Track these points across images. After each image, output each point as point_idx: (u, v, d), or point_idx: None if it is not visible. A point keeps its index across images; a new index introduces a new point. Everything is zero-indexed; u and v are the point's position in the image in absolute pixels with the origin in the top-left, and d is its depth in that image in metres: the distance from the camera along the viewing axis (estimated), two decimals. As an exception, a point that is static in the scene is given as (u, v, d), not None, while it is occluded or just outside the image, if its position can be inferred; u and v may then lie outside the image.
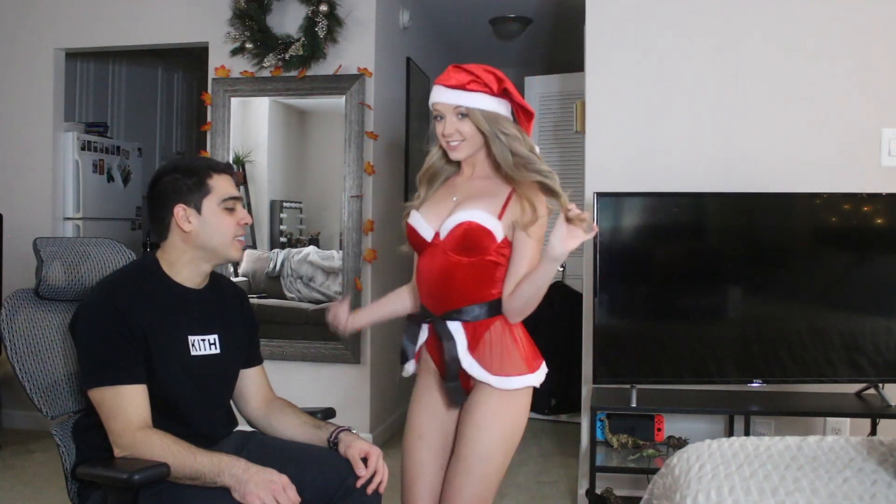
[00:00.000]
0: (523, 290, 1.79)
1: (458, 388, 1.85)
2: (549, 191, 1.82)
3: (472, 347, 1.83)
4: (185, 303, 1.78)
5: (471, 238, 1.80)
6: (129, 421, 1.61)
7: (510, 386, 1.81)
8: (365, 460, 1.77)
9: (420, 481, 1.90)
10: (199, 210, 1.75)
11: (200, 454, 1.60)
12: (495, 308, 1.84)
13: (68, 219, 4.30)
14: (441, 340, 1.84)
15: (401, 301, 2.07)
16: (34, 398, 1.76)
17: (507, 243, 1.83)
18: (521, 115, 1.88)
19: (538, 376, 1.85)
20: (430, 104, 1.88)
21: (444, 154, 1.92)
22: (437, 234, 1.87)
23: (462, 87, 1.81)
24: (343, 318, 2.02)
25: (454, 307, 1.84)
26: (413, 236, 1.92)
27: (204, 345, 1.78)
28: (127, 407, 1.62)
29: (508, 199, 1.83)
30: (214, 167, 1.80)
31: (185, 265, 1.79)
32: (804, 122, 3.12)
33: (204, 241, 1.76)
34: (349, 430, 1.88)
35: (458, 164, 1.94)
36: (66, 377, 1.84)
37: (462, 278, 1.83)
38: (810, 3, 3.12)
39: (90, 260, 1.90)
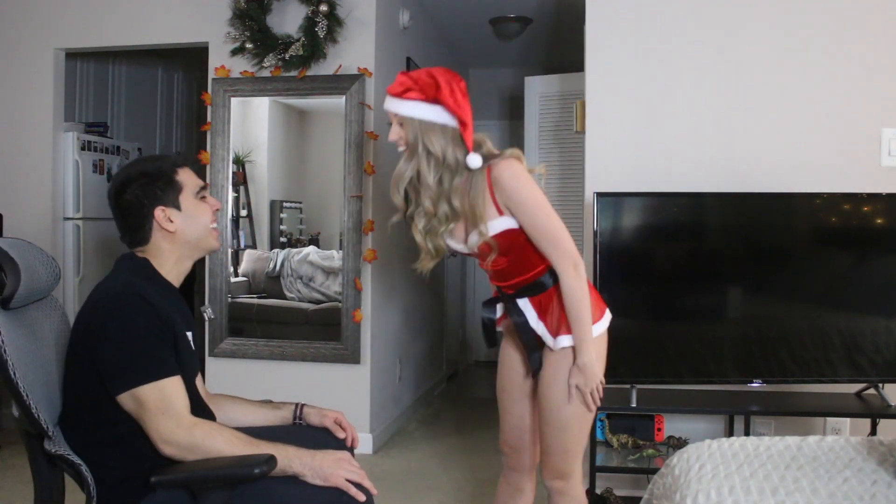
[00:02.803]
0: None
1: (538, 357, 2.02)
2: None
3: (542, 315, 1.98)
4: (177, 300, 1.79)
5: (499, 245, 1.91)
6: (180, 415, 1.58)
7: (557, 346, 1.94)
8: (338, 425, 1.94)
9: (504, 426, 2.18)
10: (178, 207, 1.76)
11: (264, 445, 1.62)
12: (549, 279, 1.96)
13: (68, 219, 4.30)
14: (511, 317, 2.01)
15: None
16: (40, 416, 1.60)
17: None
18: (457, 113, 1.87)
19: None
20: None
21: None
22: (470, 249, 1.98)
23: (398, 95, 1.86)
24: None
25: (519, 288, 1.99)
26: (453, 251, 2.04)
27: (189, 340, 1.79)
28: (175, 401, 1.59)
29: (490, 186, 1.87)
30: (176, 162, 1.80)
31: (173, 265, 1.79)
32: (804, 122, 3.12)
33: (189, 236, 1.77)
34: (305, 404, 1.98)
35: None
36: (41, 386, 1.67)
37: (510, 271, 1.98)
38: (810, 3, 3.12)
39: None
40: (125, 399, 1.59)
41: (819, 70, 3.11)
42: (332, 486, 1.61)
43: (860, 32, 3.09)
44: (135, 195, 1.73)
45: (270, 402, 2.03)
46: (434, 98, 1.84)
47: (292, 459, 1.61)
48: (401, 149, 1.92)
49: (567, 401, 1.96)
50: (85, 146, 4.41)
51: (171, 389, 1.59)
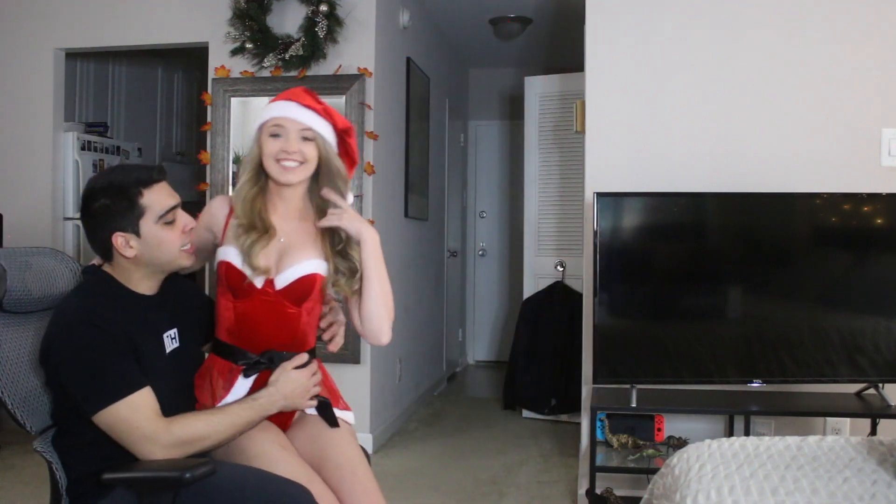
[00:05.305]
0: (379, 297, 1.87)
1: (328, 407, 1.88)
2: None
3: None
4: (148, 306, 1.73)
5: (314, 289, 1.80)
6: (155, 421, 1.57)
7: (346, 417, 1.94)
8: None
9: None
10: (137, 233, 1.66)
11: (236, 407, 1.70)
12: (314, 350, 1.88)
13: (68, 219, 4.30)
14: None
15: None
16: (17, 414, 1.65)
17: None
18: (347, 161, 1.86)
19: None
20: (266, 119, 1.78)
21: (257, 181, 1.80)
22: (269, 282, 1.76)
23: (315, 111, 1.78)
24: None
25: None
26: (234, 277, 1.75)
27: (168, 341, 1.75)
28: (146, 411, 1.57)
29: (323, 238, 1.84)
30: (144, 181, 1.67)
31: (139, 281, 1.72)
32: (804, 121, 3.12)
33: (150, 259, 1.69)
34: None
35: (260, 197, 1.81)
36: (33, 390, 1.71)
37: (303, 328, 1.82)
38: (810, 3, 3.12)
39: (32, 270, 1.74)
40: (98, 421, 1.57)
41: (819, 70, 3.11)
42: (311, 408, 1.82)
43: (861, 32, 3.09)
44: (96, 214, 1.65)
45: None
46: (340, 133, 1.83)
47: (265, 407, 1.72)
48: (292, 164, 1.75)
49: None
50: (85, 146, 4.42)
51: (138, 403, 1.57)
